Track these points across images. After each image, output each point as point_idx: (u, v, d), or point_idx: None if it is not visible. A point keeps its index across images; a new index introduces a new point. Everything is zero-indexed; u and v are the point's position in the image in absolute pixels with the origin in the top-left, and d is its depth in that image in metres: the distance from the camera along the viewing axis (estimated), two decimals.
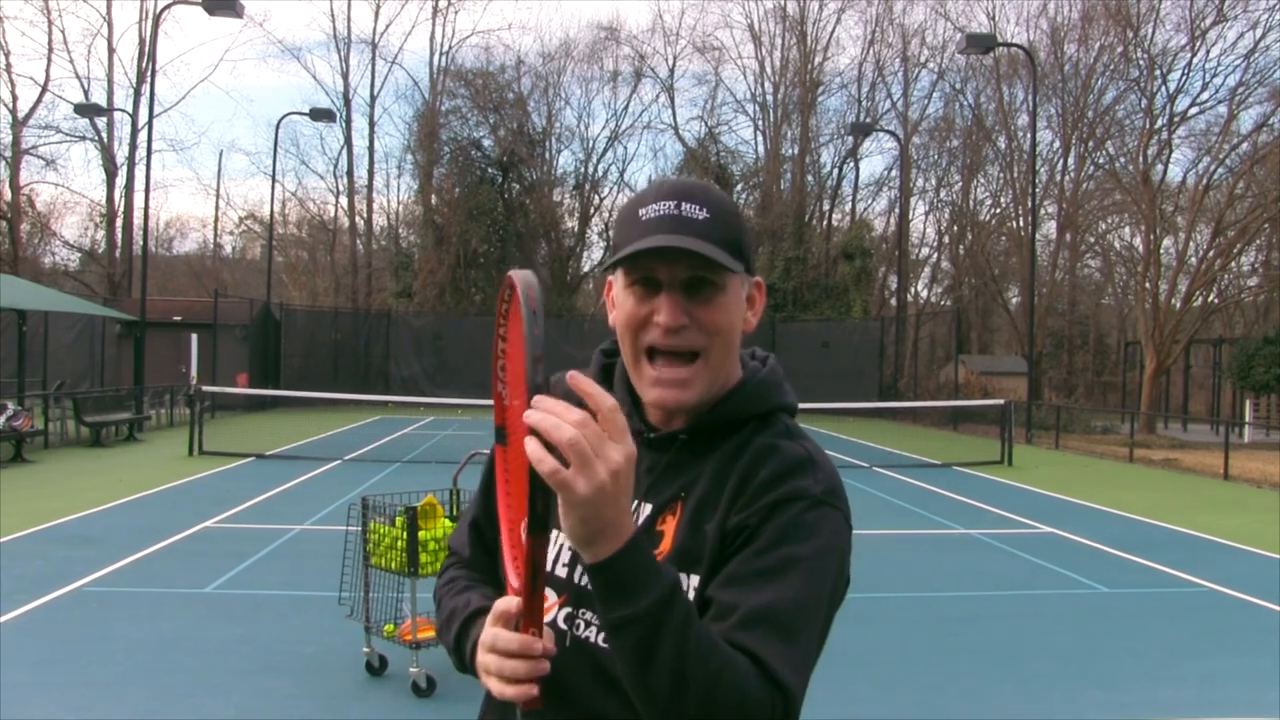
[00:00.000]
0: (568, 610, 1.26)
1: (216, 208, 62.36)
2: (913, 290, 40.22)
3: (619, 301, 1.27)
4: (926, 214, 39.93)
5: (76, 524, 9.35)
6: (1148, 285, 29.17)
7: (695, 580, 1.20)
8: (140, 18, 35.80)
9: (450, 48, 38.40)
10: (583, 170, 38.05)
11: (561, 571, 1.28)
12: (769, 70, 38.29)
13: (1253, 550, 9.53)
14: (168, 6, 25.27)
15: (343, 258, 38.33)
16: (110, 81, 36.62)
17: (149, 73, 28.00)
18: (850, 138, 36.57)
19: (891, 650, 5.91)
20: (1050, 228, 36.11)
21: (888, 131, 35.67)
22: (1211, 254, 28.84)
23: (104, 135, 36.63)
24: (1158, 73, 30.39)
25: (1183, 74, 30.49)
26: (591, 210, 38.17)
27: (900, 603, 7.06)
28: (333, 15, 50.73)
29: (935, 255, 41.39)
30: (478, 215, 33.69)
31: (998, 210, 38.17)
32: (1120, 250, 37.11)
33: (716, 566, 1.19)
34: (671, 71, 38.57)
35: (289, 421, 22.58)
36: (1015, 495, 13.14)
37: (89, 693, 4.84)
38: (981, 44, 25.17)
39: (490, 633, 1.09)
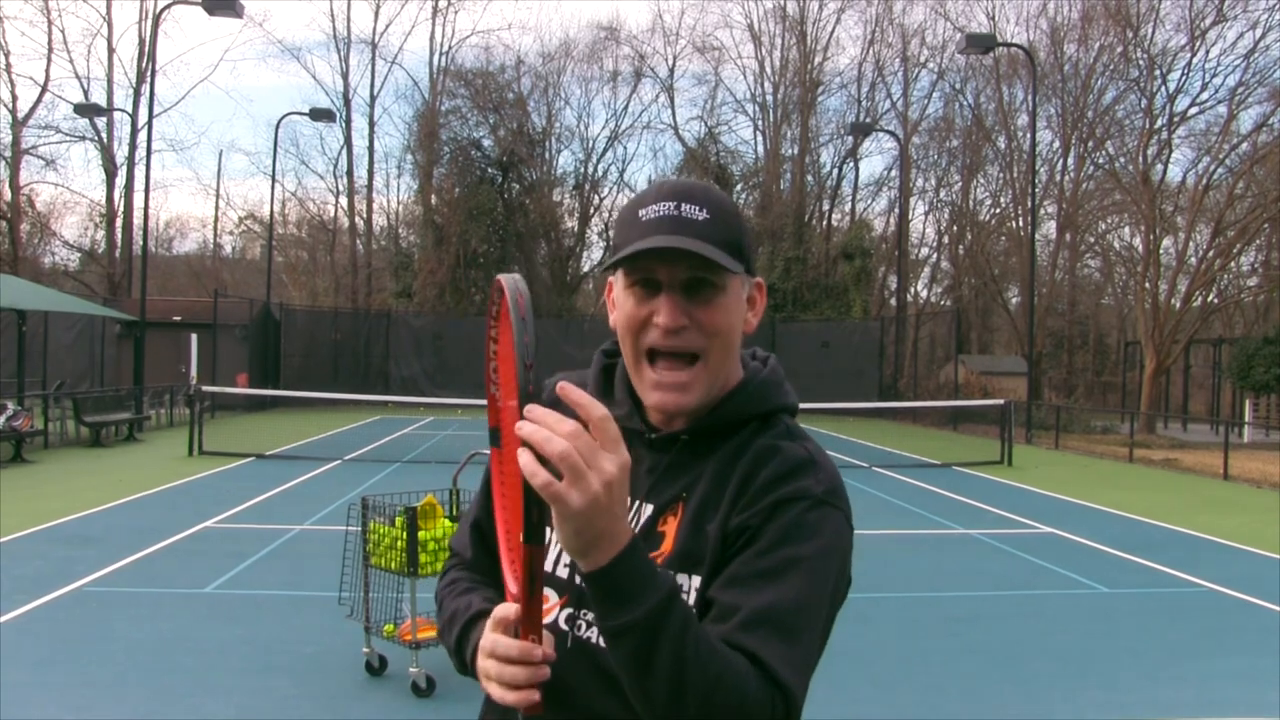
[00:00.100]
0: (568, 611, 1.26)
1: (216, 208, 62.40)
2: (912, 290, 40.27)
3: (619, 302, 1.27)
4: (926, 214, 40.01)
5: (76, 524, 9.35)
6: (1147, 285, 29.18)
7: (697, 581, 1.20)
8: (140, 18, 35.85)
9: (450, 48, 38.46)
10: (583, 170, 38.09)
11: (562, 572, 1.27)
12: (769, 70, 38.34)
13: (1252, 550, 9.53)
14: (168, 6, 25.28)
15: (343, 258, 38.33)
16: (110, 81, 36.68)
17: (149, 73, 28.02)
18: (850, 138, 36.58)
19: (891, 650, 5.91)
20: (1050, 228, 36.17)
21: (887, 131, 35.67)
22: (1211, 254, 28.85)
23: (104, 135, 36.65)
24: (1157, 73, 30.42)
25: (1182, 74, 30.54)
26: (591, 210, 38.18)
27: (900, 603, 7.05)
28: (332, 15, 50.80)
29: (935, 255, 41.45)
30: (478, 215, 33.69)
31: (997, 210, 38.22)
32: (1120, 250, 37.15)
33: (718, 567, 1.19)
34: (671, 71, 38.63)
35: (289, 421, 22.58)
36: (1015, 495, 13.14)
37: (89, 693, 4.84)
38: (981, 44, 25.17)
39: (490, 638, 1.09)
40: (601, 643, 1.20)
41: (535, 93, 37.26)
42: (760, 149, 38.46)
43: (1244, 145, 29.60)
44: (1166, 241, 31.62)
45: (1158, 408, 29.78)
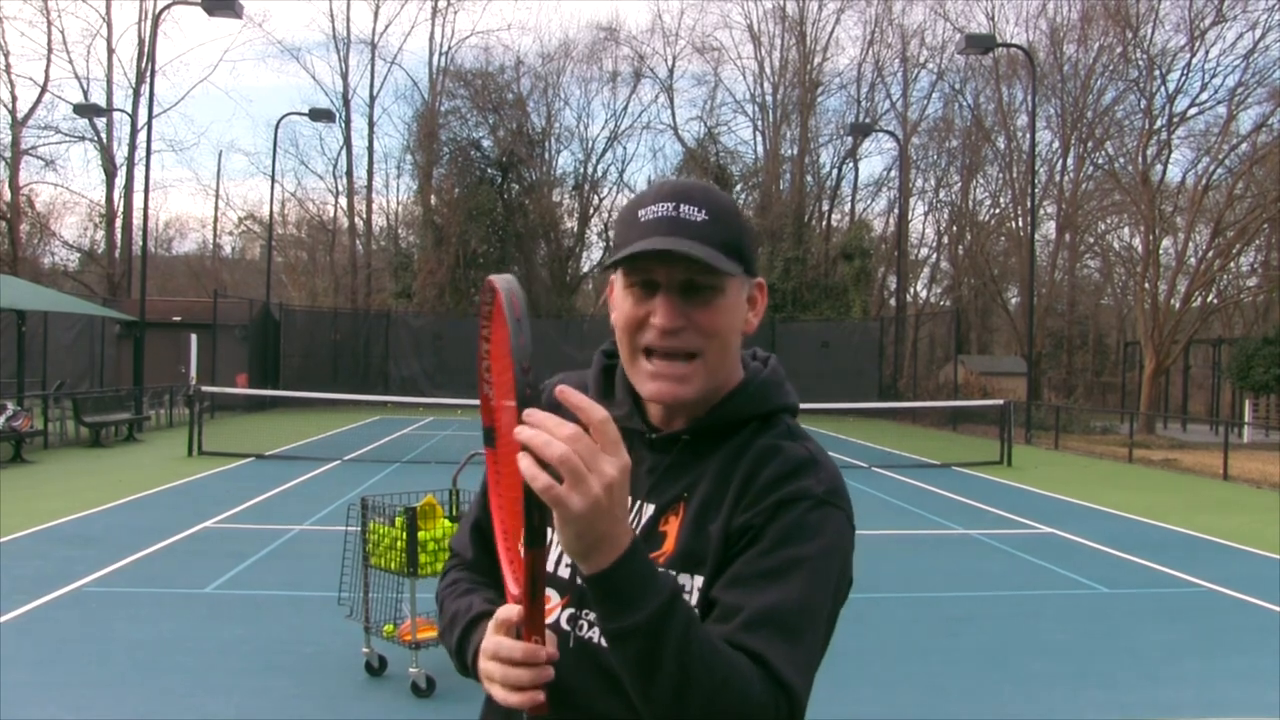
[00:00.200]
0: (570, 611, 1.26)
1: (216, 208, 62.27)
2: (912, 290, 40.28)
3: (618, 302, 1.27)
4: (926, 214, 40.02)
5: (76, 524, 9.35)
6: (1147, 285, 29.18)
7: (699, 581, 1.20)
8: (140, 18, 35.89)
9: (450, 48, 38.43)
10: (582, 170, 38.09)
11: (564, 572, 1.27)
12: (768, 70, 38.35)
13: (1252, 550, 9.53)
14: (167, 7, 25.28)
15: (342, 258, 38.33)
16: (110, 82, 36.68)
17: (148, 73, 28.01)
18: (849, 138, 36.58)
19: (891, 650, 5.91)
20: (1050, 228, 36.19)
21: (887, 132, 35.68)
22: (1211, 254, 28.85)
23: (103, 135, 36.65)
24: (1157, 73, 30.42)
25: (1182, 74, 30.53)
26: (591, 210, 38.18)
27: (900, 603, 7.05)
28: (332, 15, 50.65)
29: (934, 255, 41.46)
30: (477, 215, 33.69)
31: (997, 210, 38.24)
32: (1120, 250, 37.16)
33: (721, 567, 1.19)
34: (671, 72, 38.63)
35: (289, 422, 22.57)
36: (1015, 495, 13.14)
37: (89, 693, 4.84)
38: (981, 44, 25.18)
39: (493, 641, 1.09)
40: (604, 643, 1.20)
41: (535, 93, 37.29)
42: (760, 149, 38.52)
43: (1243, 145, 29.61)
44: (1166, 242, 31.66)
45: (1157, 408, 29.78)
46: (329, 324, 30.94)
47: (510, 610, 1.08)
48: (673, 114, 38.99)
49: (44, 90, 35.50)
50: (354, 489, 10.89)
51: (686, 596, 1.19)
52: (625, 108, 38.35)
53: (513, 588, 1.07)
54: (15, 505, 10.11)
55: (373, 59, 37.62)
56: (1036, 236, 29.59)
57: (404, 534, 4.86)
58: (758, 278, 1.31)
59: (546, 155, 37.46)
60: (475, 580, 1.38)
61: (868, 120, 36.35)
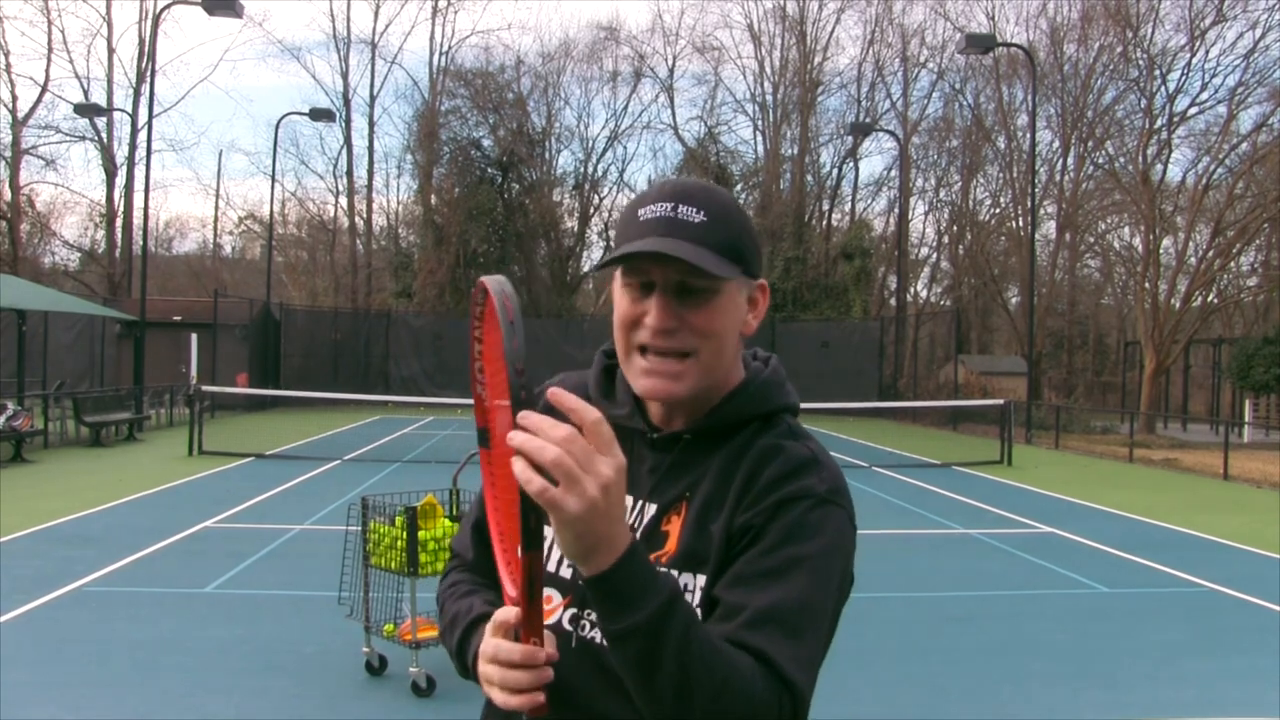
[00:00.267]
0: (572, 611, 1.25)
1: (216, 208, 62.36)
2: (912, 290, 40.28)
3: (616, 300, 1.27)
4: (926, 214, 40.03)
5: (76, 524, 9.35)
6: (1147, 285, 29.18)
7: (701, 580, 1.20)
8: (140, 18, 35.88)
9: (450, 48, 38.46)
10: (582, 170, 38.09)
11: (565, 572, 1.27)
12: (768, 70, 38.35)
13: (1252, 550, 9.53)
14: (167, 6, 25.28)
15: (342, 258, 38.34)
16: (110, 81, 36.70)
17: (149, 73, 28.03)
18: (850, 138, 36.59)
19: (891, 650, 5.91)
20: (1050, 228, 36.18)
21: (887, 131, 35.68)
22: (1211, 254, 28.85)
23: (104, 135, 36.67)
24: (1157, 73, 30.43)
25: (1182, 74, 30.55)
26: (591, 210, 38.18)
27: (900, 603, 7.05)
28: (332, 15, 50.76)
29: (935, 255, 41.47)
30: (477, 215, 33.69)
31: (997, 210, 38.23)
32: (1120, 250, 37.16)
33: (723, 566, 1.19)
34: (671, 71, 38.63)
35: (289, 421, 22.57)
36: (1015, 495, 13.14)
37: (89, 693, 4.84)
38: (981, 44, 25.17)
39: (491, 644, 1.09)
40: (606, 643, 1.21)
41: (535, 93, 37.29)
42: (760, 149, 38.51)
43: (1244, 145, 29.63)
44: (1166, 241, 31.67)
45: (1157, 408, 29.78)
46: (329, 324, 30.95)
47: (508, 613, 1.07)
48: (673, 114, 39.06)
49: (44, 90, 35.57)
50: (354, 489, 10.90)
51: (689, 596, 1.19)
52: (625, 107, 38.42)
53: (510, 589, 1.06)
54: (15, 505, 10.11)
55: (373, 58, 37.68)
56: (1037, 236, 29.59)
57: (404, 533, 4.86)
58: (759, 280, 1.30)
59: (547, 155, 37.48)
60: (476, 582, 1.37)
61: (868, 120, 36.35)
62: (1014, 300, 38.59)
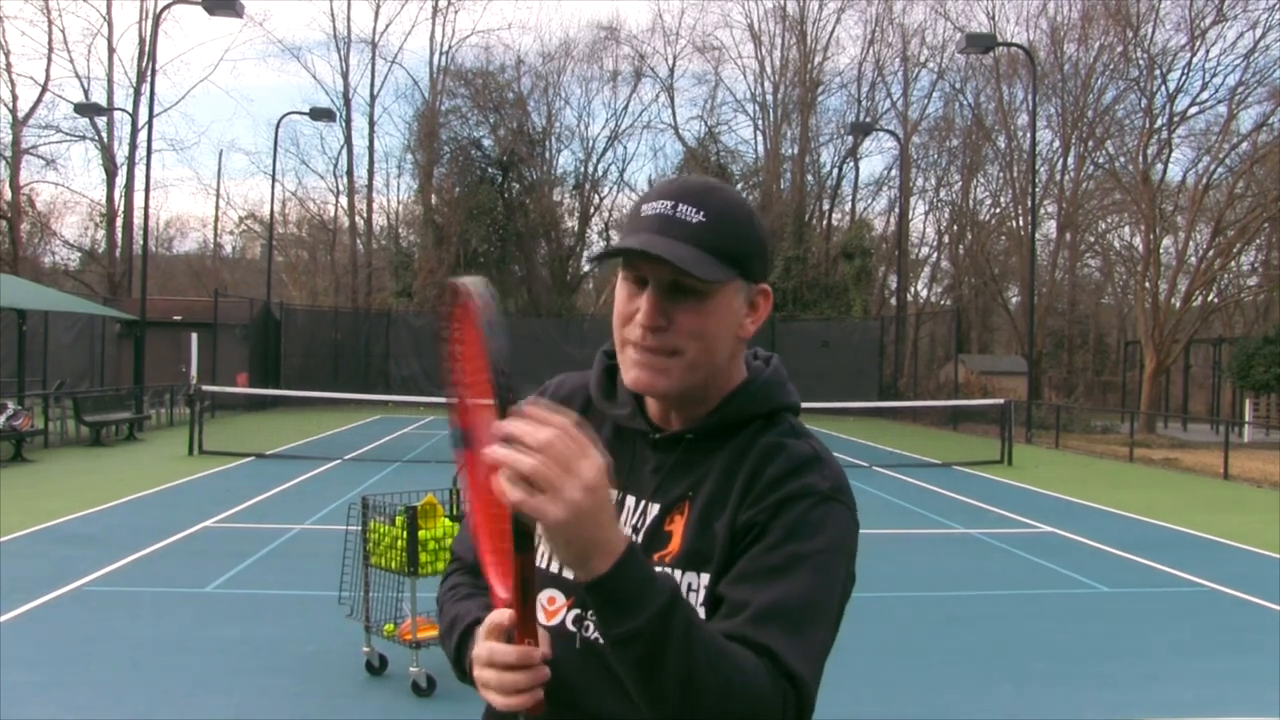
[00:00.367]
0: (576, 612, 1.25)
1: (216, 207, 62.41)
2: (913, 290, 40.30)
3: (615, 294, 1.27)
4: (926, 214, 40.03)
5: (76, 524, 9.35)
6: (1147, 285, 29.18)
7: (705, 579, 1.20)
8: (140, 17, 35.84)
9: (450, 47, 38.43)
10: (583, 170, 38.09)
11: (568, 573, 1.27)
12: (769, 70, 38.35)
13: (1252, 550, 9.53)
14: (168, 6, 25.28)
15: (343, 257, 38.35)
16: (110, 81, 36.67)
17: (149, 72, 28.04)
18: (850, 137, 36.59)
19: (891, 650, 5.91)
20: (1050, 227, 36.18)
21: (887, 131, 35.69)
22: (1211, 253, 28.85)
23: (104, 135, 36.65)
24: (1157, 72, 30.43)
25: (1182, 74, 30.56)
26: (591, 210, 38.18)
27: (900, 602, 7.05)
28: (332, 15, 50.71)
29: (935, 255, 41.47)
30: (478, 215, 33.69)
31: (997, 210, 38.23)
32: (1120, 250, 37.16)
33: (726, 565, 1.19)
34: (671, 71, 38.64)
35: (289, 421, 22.57)
36: (1015, 495, 13.14)
37: (89, 693, 4.84)
38: (981, 44, 25.17)
39: (485, 647, 1.08)
40: None
41: (535, 92, 37.30)
42: (760, 149, 38.52)
43: (1244, 145, 29.63)
44: (1166, 241, 31.67)
45: (1158, 407, 29.78)
46: (329, 323, 30.95)
47: (500, 615, 1.07)
48: (673, 113, 39.06)
49: (45, 89, 35.56)
50: (354, 488, 10.89)
51: (694, 595, 1.19)
52: (626, 107, 38.42)
53: (501, 591, 1.06)
54: (15, 505, 10.11)
55: (373, 58, 37.67)
56: (1037, 236, 29.56)
57: (404, 533, 4.86)
58: (761, 283, 1.28)
59: (547, 154, 37.48)
60: (475, 585, 1.37)
61: (868, 119, 36.34)
62: (1014, 300, 38.60)
